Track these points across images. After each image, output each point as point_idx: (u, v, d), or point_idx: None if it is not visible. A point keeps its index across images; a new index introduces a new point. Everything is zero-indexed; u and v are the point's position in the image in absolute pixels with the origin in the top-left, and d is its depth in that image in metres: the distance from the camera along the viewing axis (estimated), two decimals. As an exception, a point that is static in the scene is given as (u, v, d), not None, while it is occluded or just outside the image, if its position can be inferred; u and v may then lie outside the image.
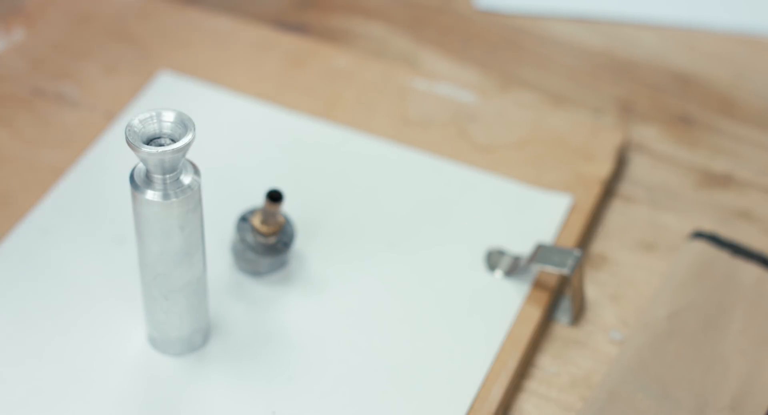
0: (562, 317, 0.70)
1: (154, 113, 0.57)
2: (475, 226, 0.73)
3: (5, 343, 0.66)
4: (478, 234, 0.72)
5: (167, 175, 0.58)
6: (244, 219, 0.68)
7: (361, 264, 0.70)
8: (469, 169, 0.76)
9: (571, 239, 0.72)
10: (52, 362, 0.65)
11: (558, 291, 0.70)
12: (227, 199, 0.72)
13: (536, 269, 0.69)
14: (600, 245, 0.74)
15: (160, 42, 0.83)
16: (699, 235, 0.72)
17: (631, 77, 0.85)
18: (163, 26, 0.84)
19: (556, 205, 0.74)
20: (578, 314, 0.70)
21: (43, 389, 0.64)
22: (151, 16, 0.85)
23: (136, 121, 0.57)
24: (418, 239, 0.72)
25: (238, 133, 0.77)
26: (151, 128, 0.57)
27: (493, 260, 0.71)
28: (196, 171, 0.59)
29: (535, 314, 0.68)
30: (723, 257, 0.71)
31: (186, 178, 0.59)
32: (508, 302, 0.69)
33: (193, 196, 0.59)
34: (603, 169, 0.76)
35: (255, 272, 0.69)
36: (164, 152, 0.56)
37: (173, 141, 0.57)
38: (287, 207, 0.71)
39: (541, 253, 0.68)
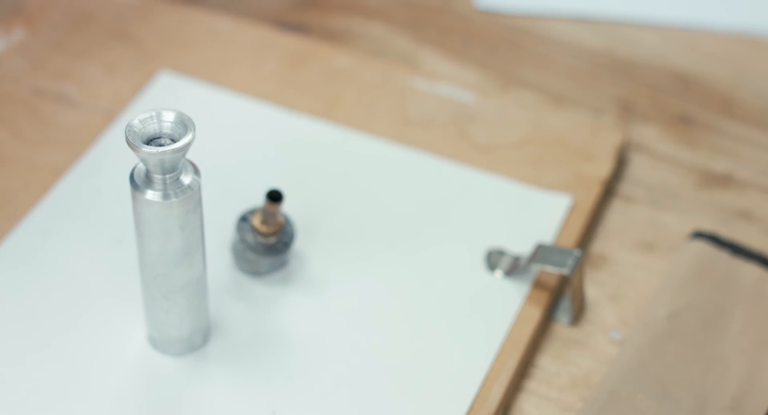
0: (562, 317, 0.70)
1: (154, 113, 0.57)
2: (475, 226, 0.73)
3: (6, 343, 0.66)
4: (478, 234, 0.72)
5: (167, 175, 0.58)
6: (244, 219, 0.68)
7: (361, 264, 0.70)
8: (469, 169, 0.76)
9: (571, 239, 0.72)
10: (53, 361, 0.65)
11: (558, 291, 0.70)
12: (227, 199, 0.72)
13: (536, 269, 0.69)
14: (600, 245, 0.74)
15: (160, 42, 0.83)
16: (699, 235, 0.72)
17: (631, 77, 0.85)
18: (163, 26, 0.84)
19: (556, 205, 0.74)
20: (578, 314, 0.70)
21: (43, 388, 0.64)
22: (151, 16, 0.85)
23: (136, 121, 0.57)
24: (418, 239, 0.72)
25: (238, 133, 0.77)
26: (151, 128, 0.57)
27: (493, 260, 0.71)
28: (196, 171, 0.59)
29: (535, 314, 0.68)
30: (723, 257, 0.71)
31: (186, 178, 0.59)
32: (508, 302, 0.69)
33: (193, 196, 0.59)
34: (603, 169, 0.76)
35: (255, 272, 0.69)
36: (164, 152, 0.56)
37: (173, 141, 0.57)
38: (287, 207, 0.71)
39: (541, 253, 0.68)
